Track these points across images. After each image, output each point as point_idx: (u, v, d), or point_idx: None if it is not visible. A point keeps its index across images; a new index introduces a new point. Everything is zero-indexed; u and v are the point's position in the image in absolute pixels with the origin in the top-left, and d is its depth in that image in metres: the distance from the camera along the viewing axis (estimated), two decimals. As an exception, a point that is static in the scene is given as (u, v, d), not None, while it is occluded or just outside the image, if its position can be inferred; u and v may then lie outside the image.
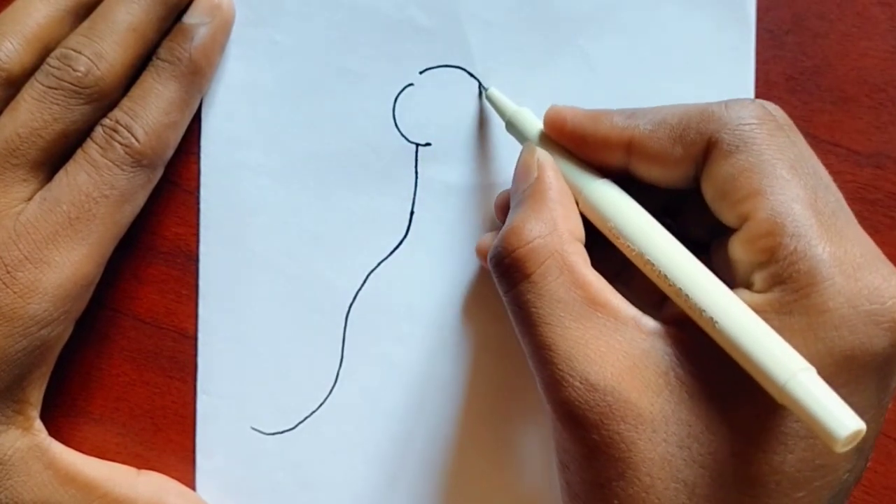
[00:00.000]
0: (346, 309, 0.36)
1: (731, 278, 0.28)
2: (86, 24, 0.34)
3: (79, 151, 0.33)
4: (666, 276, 0.27)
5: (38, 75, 0.32)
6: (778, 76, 0.35)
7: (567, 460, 0.28)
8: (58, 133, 0.32)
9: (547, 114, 0.32)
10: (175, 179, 0.36)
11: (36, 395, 0.33)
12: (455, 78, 0.36)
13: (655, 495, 0.26)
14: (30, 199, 0.32)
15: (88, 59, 0.32)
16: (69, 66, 0.32)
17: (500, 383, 0.36)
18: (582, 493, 0.28)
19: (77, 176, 0.32)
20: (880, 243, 0.35)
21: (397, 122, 0.36)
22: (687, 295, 0.26)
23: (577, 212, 0.30)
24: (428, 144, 0.36)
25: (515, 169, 0.32)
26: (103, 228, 0.33)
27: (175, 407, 0.36)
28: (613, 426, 0.26)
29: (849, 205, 0.35)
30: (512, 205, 0.31)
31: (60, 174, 0.33)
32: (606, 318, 0.27)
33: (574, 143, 0.31)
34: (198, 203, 0.36)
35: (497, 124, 0.35)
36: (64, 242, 0.32)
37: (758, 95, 0.35)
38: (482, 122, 0.36)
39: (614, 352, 0.27)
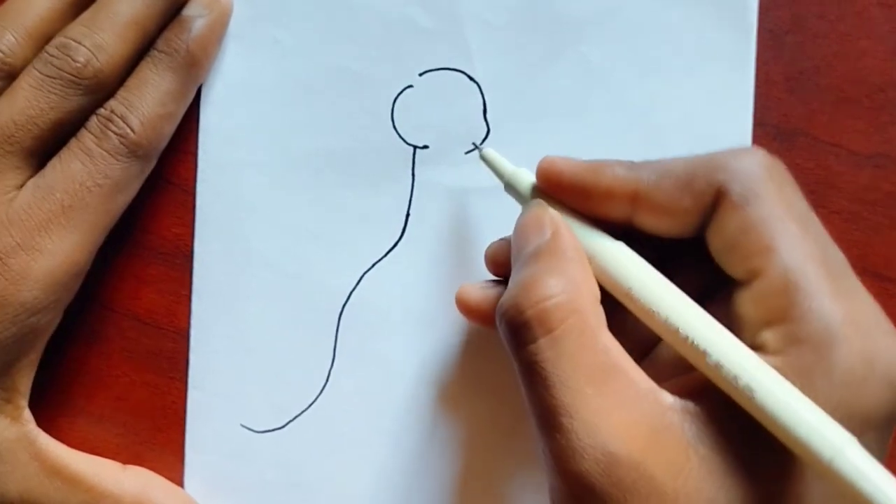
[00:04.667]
0: (340, 308, 0.36)
1: (736, 335, 0.27)
2: (87, 14, 0.34)
3: (73, 140, 0.33)
4: (695, 344, 0.26)
5: (37, 63, 0.33)
6: (778, 76, 0.35)
7: None
8: (53, 122, 0.32)
9: (540, 165, 0.31)
10: (174, 180, 0.36)
11: (25, 383, 0.33)
12: (454, 81, 0.36)
13: None
14: (22, 186, 0.32)
15: (88, 50, 0.32)
16: (68, 56, 0.32)
17: (492, 384, 0.36)
18: None
19: (71, 164, 0.32)
20: (880, 243, 0.35)
21: (396, 123, 0.36)
22: (719, 364, 0.25)
23: (592, 273, 0.29)
24: (426, 147, 0.36)
25: (521, 224, 0.30)
26: (95, 218, 0.33)
27: (175, 407, 0.36)
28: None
29: (848, 205, 0.35)
30: (520, 261, 0.30)
31: (54, 162, 0.33)
32: (627, 388, 0.26)
33: (574, 195, 0.30)
34: (195, 200, 0.36)
35: (495, 137, 0.35)
36: (56, 230, 0.32)
37: (758, 95, 0.35)
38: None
39: (637, 425, 0.26)
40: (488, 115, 0.36)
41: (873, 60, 0.35)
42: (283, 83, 0.36)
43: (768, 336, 0.26)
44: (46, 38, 0.33)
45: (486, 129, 0.36)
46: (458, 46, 0.36)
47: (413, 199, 0.36)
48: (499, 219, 0.35)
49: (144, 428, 0.36)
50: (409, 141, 0.36)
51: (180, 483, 0.36)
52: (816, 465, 0.24)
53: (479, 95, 0.36)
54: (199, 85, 0.36)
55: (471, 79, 0.36)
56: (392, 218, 0.36)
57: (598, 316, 0.28)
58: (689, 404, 0.26)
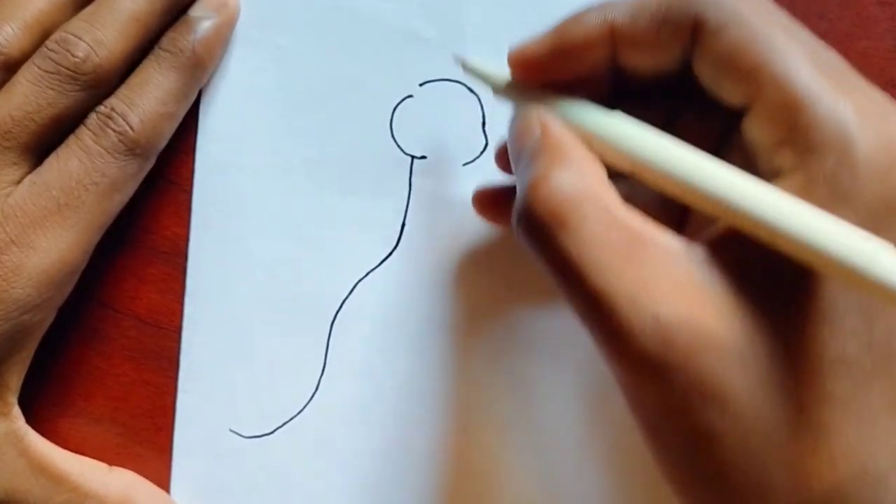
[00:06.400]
0: (332, 316, 0.36)
1: (753, 167, 0.26)
2: (88, 9, 0.34)
3: (71, 137, 0.33)
4: (712, 194, 0.25)
5: (36, 58, 0.33)
6: (776, 77, 0.34)
7: (658, 421, 0.26)
8: (51, 118, 0.32)
9: (510, 57, 0.30)
10: (174, 179, 0.36)
11: (15, 380, 0.33)
12: (455, 92, 0.36)
13: (764, 419, 0.24)
14: (19, 182, 0.33)
15: (88, 45, 0.33)
16: (68, 50, 0.32)
17: (482, 398, 0.35)
18: (685, 452, 0.25)
19: (68, 161, 0.32)
20: None
21: (394, 132, 0.36)
22: (738, 208, 0.24)
23: (594, 153, 0.28)
24: (423, 157, 0.36)
25: (513, 133, 0.29)
26: (91, 216, 0.33)
27: (175, 406, 0.36)
28: (701, 361, 0.24)
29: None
30: (519, 165, 0.29)
31: (51, 158, 0.33)
32: (656, 253, 0.25)
33: (554, 65, 0.29)
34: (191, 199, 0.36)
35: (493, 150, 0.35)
36: (51, 228, 0.32)
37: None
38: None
39: (677, 286, 0.24)
40: (486, 128, 0.36)
41: (873, 60, 0.34)
42: (283, 88, 0.36)
43: (783, 155, 0.25)
44: (45, 31, 0.34)
45: (484, 142, 0.35)
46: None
47: (409, 208, 0.36)
48: (495, 231, 0.35)
49: (144, 427, 0.36)
50: (407, 151, 0.36)
51: (169, 486, 0.36)
52: (850, 278, 0.22)
53: (479, 107, 0.36)
54: (201, 86, 0.36)
55: (471, 90, 0.36)
56: (388, 227, 0.36)
57: (609, 194, 0.26)
58: (724, 254, 0.25)
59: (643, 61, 0.28)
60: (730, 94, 0.27)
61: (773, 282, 0.25)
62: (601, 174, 0.27)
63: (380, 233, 0.36)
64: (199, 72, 0.35)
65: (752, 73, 0.25)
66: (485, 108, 0.36)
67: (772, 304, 0.25)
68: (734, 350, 0.24)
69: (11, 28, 0.33)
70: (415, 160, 0.36)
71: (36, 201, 0.32)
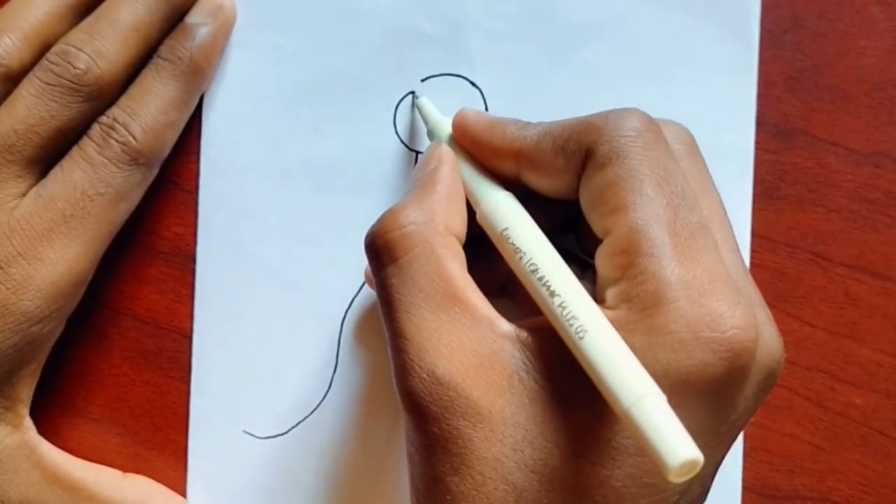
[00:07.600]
0: (343, 314, 0.36)
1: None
2: (88, 20, 0.34)
3: (75, 148, 0.33)
4: (548, 285, 0.27)
5: (37, 71, 0.32)
6: (777, 76, 0.35)
7: (411, 452, 0.28)
8: (54, 130, 0.32)
9: (455, 116, 0.32)
10: (175, 179, 0.36)
11: (26, 392, 0.33)
12: (457, 87, 0.36)
13: (485, 494, 0.26)
14: (24, 195, 0.32)
15: (89, 56, 0.32)
16: (69, 62, 0.32)
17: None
18: (421, 487, 0.28)
19: (73, 173, 0.32)
20: (879, 242, 0.35)
21: (398, 129, 0.36)
22: (563, 305, 0.26)
23: (464, 211, 0.30)
24: (427, 152, 0.36)
25: (419, 160, 0.32)
26: (98, 226, 0.33)
27: (175, 407, 0.36)
28: (453, 421, 0.26)
29: (848, 203, 0.35)
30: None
31: (56, 170, 0.33)
32: (462, 315, 0.27)
33: (473, 149, 0.32)
34: (197, 204, 0.36)
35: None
36: (58, 239, 0.32)
37: (757, 95, 0.35)
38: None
39: (464, 349, 0.27)
40: (489, 121, 0.36)
41: (872, 59, 0.35)
42: (284, 89, 0.36)
43: (609, 293, 0.27)
44: (45, 43, 0.33)
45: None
46: (461, 52, 0.36)
47: (415, 203, 0.36)
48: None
49: (144, 427, 0.36)
50: (411, 147, 0.36)
51: (182, 486, 0.36)
52: (618, 412, 0.24)
53: (482, 101, 0.36)
54: (201, 93, 0.36)
55: (473, 85, 0.36)
56: (394, 223, 0.36)
57: (448, 248, 0.29)
58: (524, 334, 0.27)
59: (541, 185, 0.30)
60: (595, 225, 0.28)
61: (566, 384, 0.26)
62: (454, 228, 0.29)
63: (386, 230, 0.36)
64: (199, 78, 0.35)
65: (612, 212, 0.27)
66: (487, 101, 0.36)
67: (556, 401, 0.26)
68: (486, 423, 0.26)
69: (11, 39, 0.33)
70: (419, 156, 0.36)
71: (42, 214, 0.32)
